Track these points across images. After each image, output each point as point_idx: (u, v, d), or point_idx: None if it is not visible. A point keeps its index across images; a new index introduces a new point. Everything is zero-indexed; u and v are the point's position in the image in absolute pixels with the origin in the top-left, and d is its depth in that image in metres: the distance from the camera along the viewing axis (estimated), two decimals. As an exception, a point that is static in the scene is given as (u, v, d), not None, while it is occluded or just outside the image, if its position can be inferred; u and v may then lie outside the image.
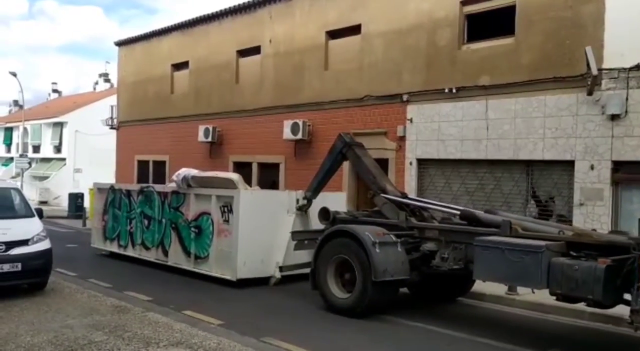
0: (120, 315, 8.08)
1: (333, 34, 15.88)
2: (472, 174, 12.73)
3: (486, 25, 12.54)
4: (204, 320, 8.10)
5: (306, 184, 15.68)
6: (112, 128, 25.62)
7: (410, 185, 13.73)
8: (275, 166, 17.08)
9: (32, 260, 9.21)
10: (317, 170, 15.84)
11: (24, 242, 9.23)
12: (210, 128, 18.99)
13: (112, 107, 25.79)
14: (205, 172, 11.72)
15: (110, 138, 32.96)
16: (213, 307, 8.95)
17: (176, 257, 11.90)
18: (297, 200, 11.13)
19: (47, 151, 41.11)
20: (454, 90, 12.82)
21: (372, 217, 9.39)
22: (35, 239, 9.44)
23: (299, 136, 15.90)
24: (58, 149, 40.04)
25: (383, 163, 13.04)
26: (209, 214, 11.10)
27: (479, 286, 9.85)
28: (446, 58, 13.14)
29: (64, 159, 39.19)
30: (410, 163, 13.62)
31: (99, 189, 14.66)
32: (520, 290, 9.64)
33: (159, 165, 22.23)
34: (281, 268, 10.17)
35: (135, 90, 23.72)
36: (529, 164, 11.84)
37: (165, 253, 12.22)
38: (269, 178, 17.37)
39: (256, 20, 18.11)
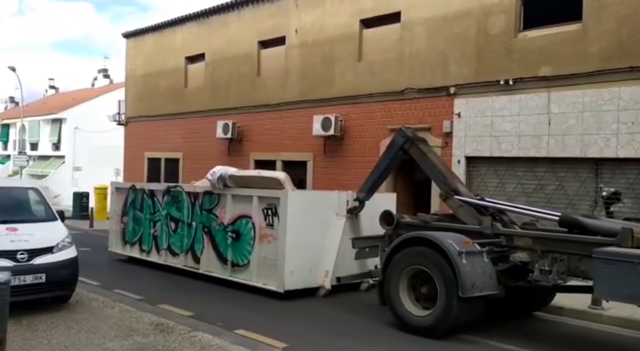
0: (164, 336, 6.97)
1: (368, 23, 14.77)
2: (530, 173, 11.67)
3: (546, 11, 11.47)
4: (264, 341, 7.00)
5: (337, 183, 14.72)
6: (119, 124, 24.41)
7: (457, 185, 12.63)
8: (302, 164, 15.96)
9: (58, 270, 8.07)
10: (349, 168, 15.03)
11: (48, 250, 8.09)
12: (230, 124, 17.84)
13: (119, 102, 24.58)
14: (246, 170, 10.62)
15: (112, 135, 31.84)
16: (266, 325, 7.84)
17: (209, 264, 10.78)
18: (347, 202, 10.04)
19: (45, 148, 39.78)
20: (510, 82, 11.74)
21: (445, 222, 8.31)
22: (60, 246, 8.31)
23: (331, 132, 14.78)
24: (57, 146, 38.72)
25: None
26: (249, 217, 9.98)
27: (556, 298, 8.84)
28: (500, 47, 12.07)
29: (62, 157, 37.91)
30: (458, 162, 12.54)
31: (117, 188, 13.49)
32: (606, 304, 8.60)
33: (172, 163, 21.05)
34: (338, 279, 9.06)
35: (145, 84, 22.52)
36: (598, 162, 10.79)
37: (197, 259, 11.08)
38: (295, 177, 16.00)
39: (280, 9, 16.96)
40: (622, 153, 10.34)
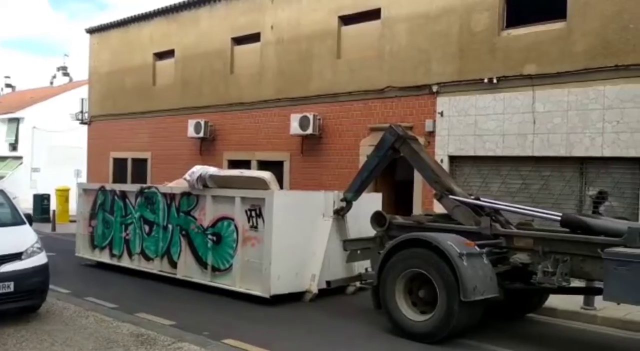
0: (146, 348, 6.48)
1: (347, 19, 14.45)
2: (515, 173, 11.53)
3: (530, 9, 11.36)
4: (256, 352, 6.60)
5: (315, 183, 14.36)
6: (82, 123, 23.48)
7: (440, 185, 12.42)
8: (279, 164, 15.52)
9: (27, 278, 7.46)
10: (328, 167, 14.66)
11: (17, 256, 7.47)
12: (202, 123, 17.26)
13: (82, 100, 23.64)
14: (227, 170, 10.14)
15: (73, 134, 30.72)
16: (255, 333, 7.40)
17: (187, 269, 10.25)
18: (334, 202, 9.68)
19: (1, 149, 38.16)
20: (494, 81, 11.59)
21: (440, 223, 8.02)
22: (29, 252, 7.69)
23: (309, 131, 14.40)
24: (14, 147, 37.21)
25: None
26: (231, 219, 9.51)
27: (548, 299, 8.68)
28: (483, 45, 11.91)
29: (20, 157, 36.43)
30: (441, 161, 12.29)
31: (84, 190, 12.80)
32: (598, 303, 8.47)
33: (140, 163, 20.31)
34: (329, 283, 8.67)
35: (110, 82, 21.69)
36: (583, 161, 10.72)
37: (173, 264, 10.54)
38: (270, 177, 15.77)
39: (255, 5, 16.48)
40: (608, 153, 10.28)
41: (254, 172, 9.76)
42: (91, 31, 22.70)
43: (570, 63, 10.73)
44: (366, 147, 13.87)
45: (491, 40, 11.79)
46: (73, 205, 25.64)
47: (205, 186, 9.86)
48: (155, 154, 19.65)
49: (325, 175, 14.55)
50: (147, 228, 11.15)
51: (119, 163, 21.35)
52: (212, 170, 9.76)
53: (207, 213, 9.90)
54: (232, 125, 17.07)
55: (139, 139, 20.26)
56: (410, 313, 7.21)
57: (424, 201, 12.79)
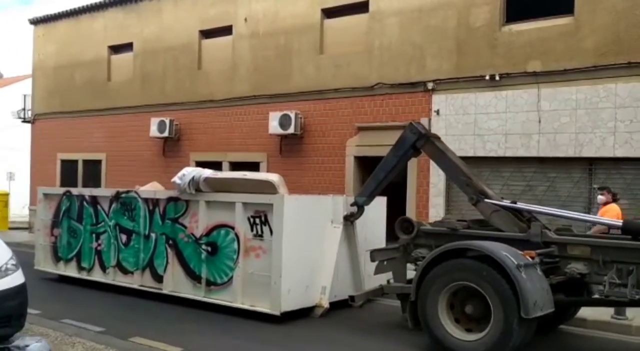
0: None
1: (330, 12, 13.62)
2: (518, 174, 11.04)
3: (532, 4, 10.93)
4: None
5: (296, 186, 13.36)
6: (25, 121, 21.54)
7: (437, 188, 11.82)
8: (254, 165, 14.45)
9: (3, 302, 6.21)
10: (310, 169, 13.77)
11: (-13, 277, 6.21)
12: (167, 122, 15.96)
13: (24, 96, 21.68)
14: (226, 172, 9.10)
15: (7, 134, 28.29)
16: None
17: (176, 284, 9.11)
18: (343, 207, 8.82)
19: None
20: (496, 78, 11.06)
21: (475, 229, 7.32)
22: (3, 270, 6.42)
23: (290, 130, 13.46)
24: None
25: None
26: (230, 227, 8.47)
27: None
28: (483, 41, 11.37)
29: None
30: (437, 162, 11.66)
31: (45, 195, 11.34)
32: (630, 314, 8.03)
33: (92, 165, 18.68)
34: (352, 298, 7.76)
35: (58, 77, 19.91)
36: (592, 162, 10.33)
37: (158, 278, 9.37)
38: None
39: (226, -5, 15.40)
40: (620, 153, 9.93)
41: (259, 174, 8.74)
42: (35, 22, 20.81)
43: (578, 60, 10.32)
44: (353, 147, 13.12)
45: (492, 36, 11.27)
46: (15, 211, 23.67)
47: (197, 190, 8.77)
48: (111, 155, 18.12)
49: (306, 177, 13.67)
50: (124, 237, 9.91)
51: (68, 166, 19.60)
52: (207, 172, 8.68)
53: (201, 221, 8.81)
54: (200, 124, 15.88)
55: (92, 139, 18.64)
56: (456, 332, 6.44)
57: (418, 204, 12.14)
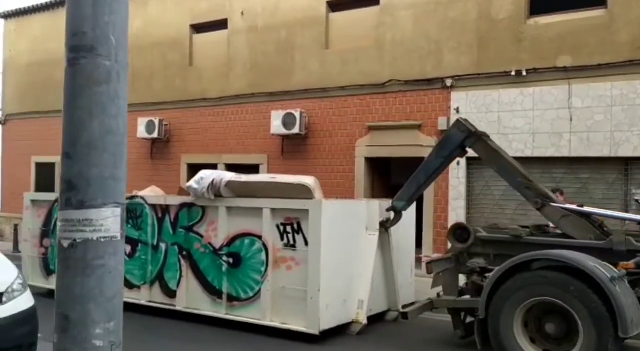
0: None
1: (336, 5, 12.85)
2: (547, 175, 10.45)
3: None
4: None
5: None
6: (-6, 122, 20.08)
7: (457, 190, 11.16)
8: (254, 168, 13.55)
9: (11, 330, 5.30)
10: (315, 171, 12.89)
11: (-5, 300, 5.24)
12: (157, 122, 14.92)
13: (-6, 95, 20.24)
14: (251, 175, 8.20)
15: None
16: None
17: (191, 299, 8.16)
18: (379, 213, 8.04)
19: None
20: (523, 73, 10.46)
21: (541, 236, 6.63)
22: (10, 292, 5.46)
23: (295, 130, 12.62)
24: None
25: (417, 164, 10.31)
26: (256, 236, 7.58)
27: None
28: (507, 34, 10.77)
29: None
30: (458, 163, 10.97)
31: (33, 202, 10.21)
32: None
33: (72, 170, 17.41)
34: (405, 315, 6.95)
35: (32, 75, 18.58)
36: (628, 162, 9.81)
37: (170, 293, 8.39)
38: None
39: (220, -13, 14.47)
40: (660, 152, 9.44)
41: (290, 177, 7.84)
42: (6, 16, 19.44)
43: (612, 54, 9.80)
44: (363, 148, 12.36)
45: (517, 29, 10.67)
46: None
47: (217, 195, 7.86)
48: (93, 158, 16.91)
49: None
50: (128, 248, 8.89)
51: (44, 169, 18.28)
52: (229, 175, 7.78)
53: (220, 229, 7.89)
54: (193, 124, 14.89)
55: (71, 141, 17.38)
56: (535, 353, 5.74)
57: (437, 207, 11.46)
